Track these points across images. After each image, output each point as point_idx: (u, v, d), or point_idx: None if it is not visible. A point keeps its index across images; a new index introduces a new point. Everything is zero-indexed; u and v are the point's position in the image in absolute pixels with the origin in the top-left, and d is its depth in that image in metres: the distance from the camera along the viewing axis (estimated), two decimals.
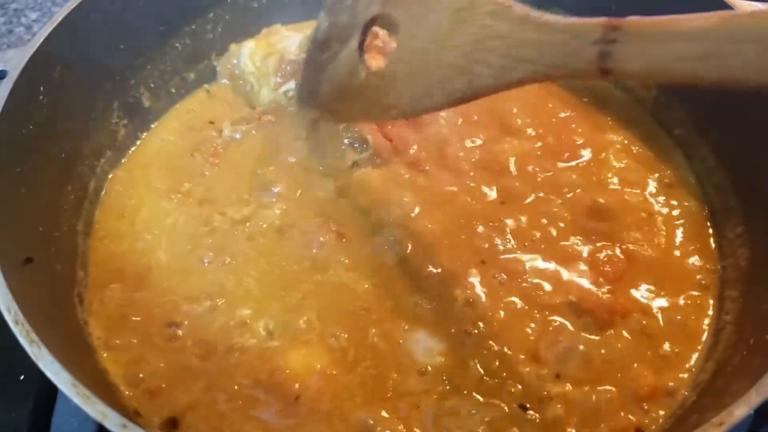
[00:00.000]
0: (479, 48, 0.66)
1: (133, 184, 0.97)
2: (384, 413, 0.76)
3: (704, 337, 0.84)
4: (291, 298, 0.84)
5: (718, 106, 0.96)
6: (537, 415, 0.77)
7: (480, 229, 0.90)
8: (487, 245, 0.89)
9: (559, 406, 0.77)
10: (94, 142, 0.97)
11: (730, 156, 0.95)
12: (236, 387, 0.78)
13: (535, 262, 0.88)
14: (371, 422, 0.76)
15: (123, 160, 1.01)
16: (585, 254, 0.89)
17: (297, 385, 0.78)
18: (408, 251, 0.88)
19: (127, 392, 0.78)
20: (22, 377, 0.92)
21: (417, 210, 0.92)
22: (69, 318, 0.82)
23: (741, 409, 0.60)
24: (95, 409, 0.59)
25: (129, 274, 0.87)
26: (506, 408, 0.77)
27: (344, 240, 0.89)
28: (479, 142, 1.00)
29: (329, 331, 0.82)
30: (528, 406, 0.77)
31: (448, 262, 0.87)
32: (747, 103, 0.91)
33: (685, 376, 0.81)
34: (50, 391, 0.86)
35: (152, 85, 1.05)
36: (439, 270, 0.87)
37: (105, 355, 0.81)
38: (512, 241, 0.90)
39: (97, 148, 0.97)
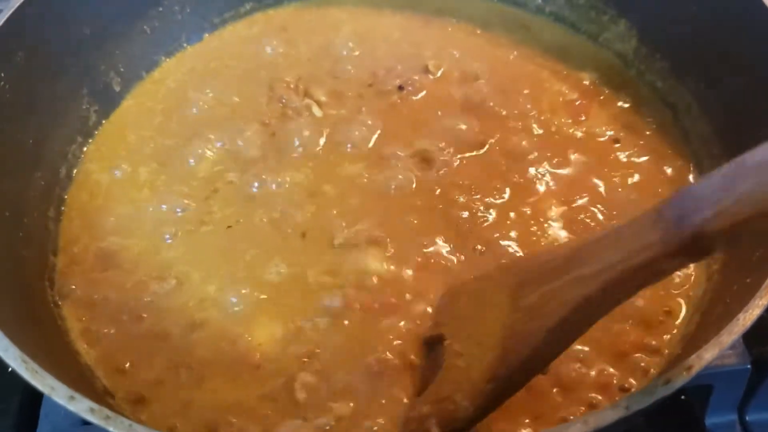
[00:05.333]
0: None
1: (102, 162, 0.95)
2: None
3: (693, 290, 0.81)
4: (255, 270, 0.83)
5: (697, 54, 0.93)
6: None
7: None
8: None
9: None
10: (64, 128, 0.95)
11: (713, 104, 0.92)
12: (199, 361, 0.77)
13: None
14: None
15: (91, 140, 0.99)
16: None
17: (258, 355, 0.77)
18: None
19: (98, 372, 0.78)
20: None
21: None
22: (39, 302, 0.81)
23: (710, 352, 0.57)
24: (43, 383, 0.58)
25: (98, 255, 0.86)
26: None
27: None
28: None
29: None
30: None
31: None
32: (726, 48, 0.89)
33: (674, 332, 0.78)
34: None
35: (122, 70, 1.02)
36: None
37: (76, 337, 0.80)
38: None
39: (67, 134, 0.95)
